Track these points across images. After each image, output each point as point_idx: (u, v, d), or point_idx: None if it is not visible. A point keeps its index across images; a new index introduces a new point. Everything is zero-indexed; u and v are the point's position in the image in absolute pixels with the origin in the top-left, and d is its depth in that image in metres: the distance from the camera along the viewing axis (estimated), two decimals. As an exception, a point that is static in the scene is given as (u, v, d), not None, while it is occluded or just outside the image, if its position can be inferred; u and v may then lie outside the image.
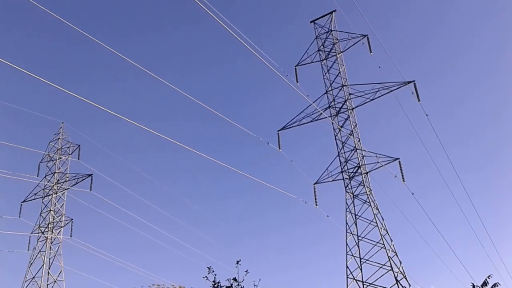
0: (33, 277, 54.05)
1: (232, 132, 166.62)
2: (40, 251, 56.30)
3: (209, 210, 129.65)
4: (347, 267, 41.40)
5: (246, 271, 12.88)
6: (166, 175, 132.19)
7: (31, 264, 55.77)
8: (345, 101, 49.08)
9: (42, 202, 60.28)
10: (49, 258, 55.59)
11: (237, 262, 13.02)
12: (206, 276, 12.80)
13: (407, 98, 50.80)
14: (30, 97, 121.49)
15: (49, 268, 54.91)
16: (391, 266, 39.11)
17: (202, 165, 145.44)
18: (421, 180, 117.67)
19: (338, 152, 47.61)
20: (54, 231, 57.79)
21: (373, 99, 47.14)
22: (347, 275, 41.00)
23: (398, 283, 37.82)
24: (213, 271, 12.77)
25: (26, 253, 58.07)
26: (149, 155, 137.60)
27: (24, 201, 61.01)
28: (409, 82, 46.26)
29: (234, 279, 12.66)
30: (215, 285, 12.62)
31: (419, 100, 46.18)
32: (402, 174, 45.71)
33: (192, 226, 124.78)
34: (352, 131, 47.64)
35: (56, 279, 54.03)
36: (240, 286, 12.59)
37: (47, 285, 53.61)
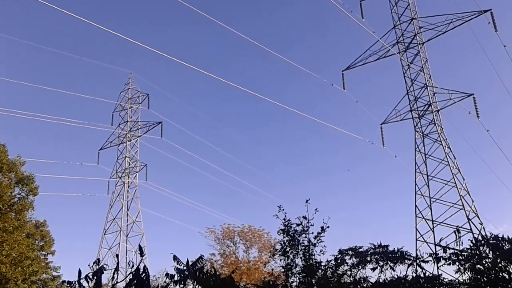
0: (114, 219, 58.37)
1: (295, 73, 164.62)
2: (118, 194, 60.38)
3: (274, 154, 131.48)
4: (416, 206, 40.90)
5: (316, 210, 13.16)
6: (231, 120, 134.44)
7: (111, 206, 60.13)
8: (415, 35, 46.48)
9: (118, 149, 63.92)
10: (127, 201, 59.57)
11: (307, 201, 13.29)
12: (277, 215, 13.22)
13: (483, 29, 47.33)
14: (100, 50, 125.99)
15: (127, 210, 58.98)
16: (463, 205, 38.14)
17: (266, 110, 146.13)
18: (497, 117, 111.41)
19: (407, 90, 45.79)
20: (130, 176, 61.43)
21: (445, 32, 44.18)
22: (416, 214, 40.60)
23: (470, 221, 36.95)
24: (283, 209, 13.15)
25: (106, 197, 62.57)
26: (215, 101, 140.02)
27: (101, 149, 64.96)
28: (485, 11, 42.78)
29: (304, 217, 12.97)
30: (286, 223, 13.01)
31: (496, 31, 42.83)
32: (476, 110, 43.32)
33: (258, 169, 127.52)
34: (422, 67, 45.40)
35: (135, 220, 58.05)
36: (310, 223, 12.91)
37: (127, 225, 57.83)
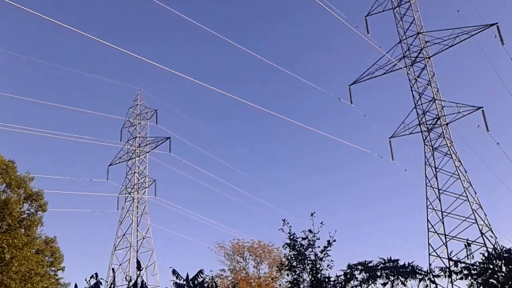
0: (124, 234, 58.27)
1: (302, 89, 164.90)
2: (128, 210, 60.38)
3: (284, 170, 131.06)
4: (428, 220, 40.28)
5: (321, 223, 12.94)
6: (239, 136, 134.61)
7: (121, 222, 60.08)
8: (421, 50, 46.36)
9: (127, 165, 64.10)
10: (137, 217, 59.51)
11: (312, 214, 13.09)
12: (282, 228, 13.03)
13: (489, 43, 47.09)
14: (108, 67, 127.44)
15: (137, 226, 58.90)
16: (475, 219, 37.50)
17: (274, 126, 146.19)
18: (507, 130, 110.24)
19: (415, 104, 45.49)
20: (139, 191, 61.47)
21: (451, 46, 44.06)
22: (428, 229, 39.96)
23: (483, 235, 36.26)
24: (288, 223, 12.95)
25: (116, 213, 62.58)
26: (223, 117, 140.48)
27: (110, 165, 65.20)
28: (491, 25, 42.61)
29: (310, 230, 12.76)
30: (291, 237, 12.80)
31: (503, 44, 42.58)
32: (486, 123, 42.81)
33: (268, 184, 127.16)
34: (429, 81, 45.15)
35: (145, 235, 57.89)
36: (315, 237, 12.68)
37: (137, 241, 57.67)
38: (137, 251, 55.74)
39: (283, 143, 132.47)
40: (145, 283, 8.34)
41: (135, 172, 62.85)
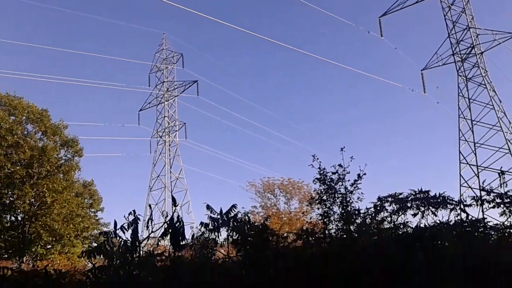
0: (158, 176, 60.13)
1: (330, 23, 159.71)
2: (160, 153, 61.88)
3: (313, 106, 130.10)
4: (460, 152, 39.72)
5: (351, 157, 12.87)
6: (266, 74, 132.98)
7: (155, 165, 61.81)
8: (455, -27, 43.70)
9: (157, 110, 64.91)
10: (169, 159, 60.97)
11: (341, 149, 13.01)
12: (312, 164, 13.04)
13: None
14: (132, 12, 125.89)
15: (170, 168, 60.51)
16: (509, 149, 36.76)
17: (303, 62, 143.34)
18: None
19: (448, 33, 43.56)
20: (170, 134, 62.59)
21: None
22: (460, 161, 39.50)
23: (517, 166, 35.68)
24: (317, 158, 12.94)
25: (149, 156, 64.30)
26: (248, 56, 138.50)
27: (140, 110, 66.13)
28: None
29: (340, 165, 12.74)
30: (321, 172, 12.83)
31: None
32: (524, 49, 40.88)
33: (297, 122, 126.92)
34: (464, 8, 42.88)
35: (178, 176, 59.58)
36: (345, 171, 12.67)
37: (171, 182, 59.48)
38: (171, 191, 57.63)
39: (312, 81, 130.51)
40: (181, 218, 8.65)
41: (165, 116, 63.67)
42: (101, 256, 8.92)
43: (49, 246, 36.47)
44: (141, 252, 8.92)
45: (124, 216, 8.57)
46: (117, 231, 8.53)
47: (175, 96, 64.82)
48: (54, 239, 35.56)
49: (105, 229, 46.26)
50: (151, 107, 65.57)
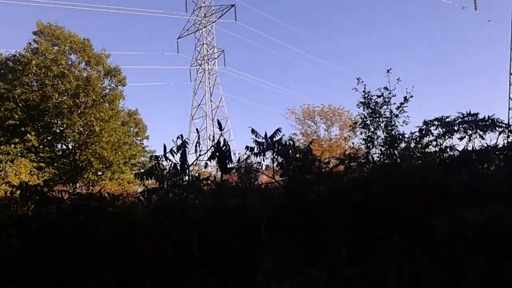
0: (199, 105, 60.94)
1: None
2: (200, 81, 62.16)
3: (353, 25, 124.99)
4: (510, 73, 37.77)
5: (398, 79, 12.46)
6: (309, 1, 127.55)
7: (195, 93, 62.41)
8: None
9: (195, 37, 64.37)
10: (209, 87, 61.29)
11: (388, 71, 12.58)
12: (356, 88, 12.74)
13: None
14: None
15: (210, 96, 61.00)
16: None
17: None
18: None
19: None
20: (209, 62, 62.40)
21: None
22: (510, 82, 37.69)
23: None
24: (362, 81, 12.61)
25: (189, 84, 64.95)
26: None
27: (179, 38, 65.73)
28: None
29: (385, 88, 12.38)
30: (366, 96, 12.55)
31: None
32: None
33: (339, 47, 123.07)
34: None
35: (218, 105, 60.17)
36: (391, 94, 12.34)
37: (211, 110, 60.21)
38: (213, 120, 58.49)
39: (355, 1, 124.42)
40: (227, 141, 8.82)
41: (203, 44, 63.19)
42: (152, 179, 9.32)
43: (100, 173, 38.40)
44: (190, 175, 9.24)
45: (173, 140, 8.81)
46: (167, 155, 8.81)
47: (213, 22, 63.84)
48: (104, 166, 37.32)
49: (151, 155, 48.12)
50: (189, 34, 65.09)
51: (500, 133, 12.22)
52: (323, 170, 10.85)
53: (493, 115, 12.47)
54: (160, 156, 8.88)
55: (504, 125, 12.35)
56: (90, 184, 35.57)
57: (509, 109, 36.97)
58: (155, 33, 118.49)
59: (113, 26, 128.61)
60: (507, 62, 38.53)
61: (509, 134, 12.17)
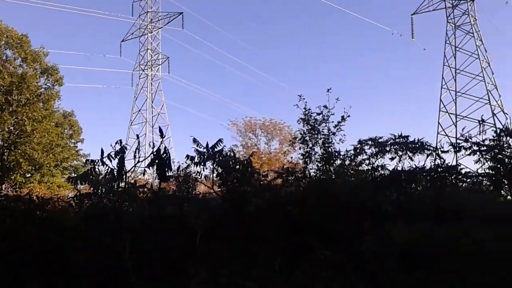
0: (139, 110, 59.67)
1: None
2: (142, 87, 60.99)
3: (299, 49, 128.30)
4: (441, 100, 40.26)
5: (337, 99, 12.96)
6: (254, 11, 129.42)
7: (136, 98, 61.11)
8: None
9: (139, 41, 63.22)
10: (151, 93, 60.27)
11: (328, 90, 13.07)
12: (297, 104, 13.10)
13: None
14: None
15: (152, 102, 59.96)
16: (489, 99, 37.35)
17: (291, 4, 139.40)
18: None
19: (441, -22, 42.71)
20: (153, 68, 61.44)
21: None
22: (440, 108, 40.11)
23: (495, 116, 36.44)
24: (304, 98, 12.99)
25: (130, 89, 63.38)
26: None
27: (123, 41, 64.31)
28: None
29: (325, 106, 12.83)
30: (306, 112, 12.93)
31: None
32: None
33: (281, 64, 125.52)
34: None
35: (160, 111, 59.22)
36: (330, 112, 12.80)
37: (152, 117, 59.15)
38: (153, 126, 57.48)
39: (298, 21, 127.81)
40: (167, 149, 8.74)
41: (147, 49, 62.18)
42: (86, 183, 9.04)
43: (29, 175, 36.48)
44: (127, 182, 9.06)
45: (111, 145, 8.61)
46: (104, 160, 8.59)
47: (159, 28, 63.04)
48: (33, 168, 35.50)
49: (85, 160, 46.42)
50: (134, 38, 63.83)
51: (428, 155, 13.01)
52: (262, 182, 11.04)
53: (422, 138, 13.27)
54: (97, 161, 8.65)
55: (431, 148, 13.17)
56: (18, 186, 33.72)
57: (438, 133, 39.20)
58: (98, 34, 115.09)
59: (55, 24, 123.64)
60: (439, 89, 41.11)
61: (436, 157, 12.99)
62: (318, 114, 12.79)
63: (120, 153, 8.55)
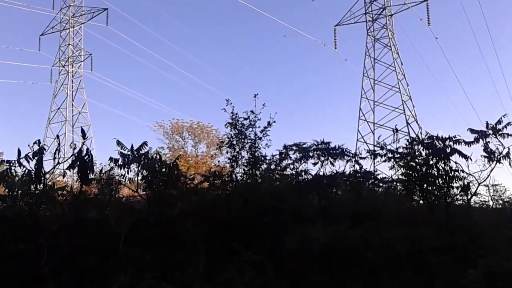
0: (58, 108, 56.58)
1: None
2: (62, 84, 57.99)
3: (226, 52, 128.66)
4: (360, 109, 42.38)
5: (263, 105, 13.29)
6: (182, 12, 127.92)
7: (55, 96, 57.93)
8: None
9: (60, 36, 60.03)
10: (72, 91, 57.52)
11: (255, 96, 13.34)
12: (225, 108, 13.24)
13: None
14: None
15: (72, 100, 57.15)
16: (404, 110, 39.90)
17: (219, 7, 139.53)
18: (448, 27, 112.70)
19: (363, -8, 45.01)
20: (74, 65, 58.71)
21: None
22: (359, 117, 42.20)
23: (409, 125, 38.99)
24: (231, 103, 13.15)
25: (49, 86, 59.98)
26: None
27: (42, 35, 60.80)
28: None
29: (252, 111, 13.09)
30: (233, 117, 13.10)
31: None
32: (428, 17, 43.57)
33: (208, 67, 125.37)
34: (378, -32, 44.35)
35: (81, 110, 56.61)
36: (257, 118, 13.08)
37: (72, 116, 56.41)
38: (73, 126, 54.91)
39: (228, 26, 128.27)
40: (90, 150, 8.45)
41: (69, 44, 59.27)
42: (0, 185, 8.51)
43: None
44: (45, 184, 8.64)
45: (28, 145, 8.16)
46: (21, 160, 8.14)
47: (82, 23, 60.35)
48: None
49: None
50: (54, 32, 60.53)
51: (347, 161, 13.74)
52: (188, 186, 11.02)
53: (342, 145, 13.98)
54: (13, 161, 8.17)
55: (351, 155, 13.90)
56: None
57: (357, 140, 41.16)
58: (15, 27, 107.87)
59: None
60: (358, 98, 43.26)
61: (355, 163, 13.74)
62: (245, 119, 13.04)
63: (39, 154, 8.15)
